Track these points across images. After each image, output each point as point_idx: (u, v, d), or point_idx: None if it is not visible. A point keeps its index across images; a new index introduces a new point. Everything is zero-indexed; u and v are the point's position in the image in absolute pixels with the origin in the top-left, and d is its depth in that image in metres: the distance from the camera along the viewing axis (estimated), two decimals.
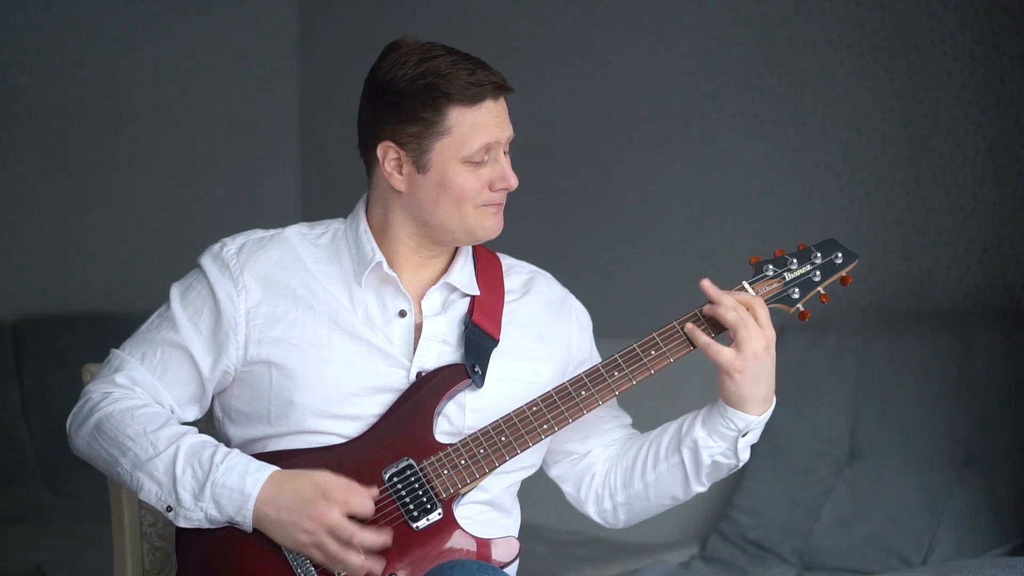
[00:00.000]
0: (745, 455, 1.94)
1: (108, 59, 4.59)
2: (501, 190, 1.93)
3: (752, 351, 1.85)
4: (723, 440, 1.91)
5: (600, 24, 3.97)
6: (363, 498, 1.81)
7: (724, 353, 1.86)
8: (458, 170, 1.89)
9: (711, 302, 1.89)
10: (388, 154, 1.92)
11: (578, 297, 2.14)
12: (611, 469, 2.03)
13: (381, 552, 1.82)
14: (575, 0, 4.05)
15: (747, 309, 1.86)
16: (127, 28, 4.63)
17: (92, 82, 4.56)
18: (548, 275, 2.12)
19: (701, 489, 1.98)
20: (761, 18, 3.58)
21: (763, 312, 1.87)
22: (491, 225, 1.94)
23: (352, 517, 1.81)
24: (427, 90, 1.87)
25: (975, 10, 3.17)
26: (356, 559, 1.80)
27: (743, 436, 1.90)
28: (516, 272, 2.09)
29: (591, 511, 2.06)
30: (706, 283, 1.89)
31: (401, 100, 1.89)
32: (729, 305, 1.86)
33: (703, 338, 1.88)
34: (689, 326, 1.90)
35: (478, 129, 1.89)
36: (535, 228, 4.06)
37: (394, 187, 1.93)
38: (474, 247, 2.05)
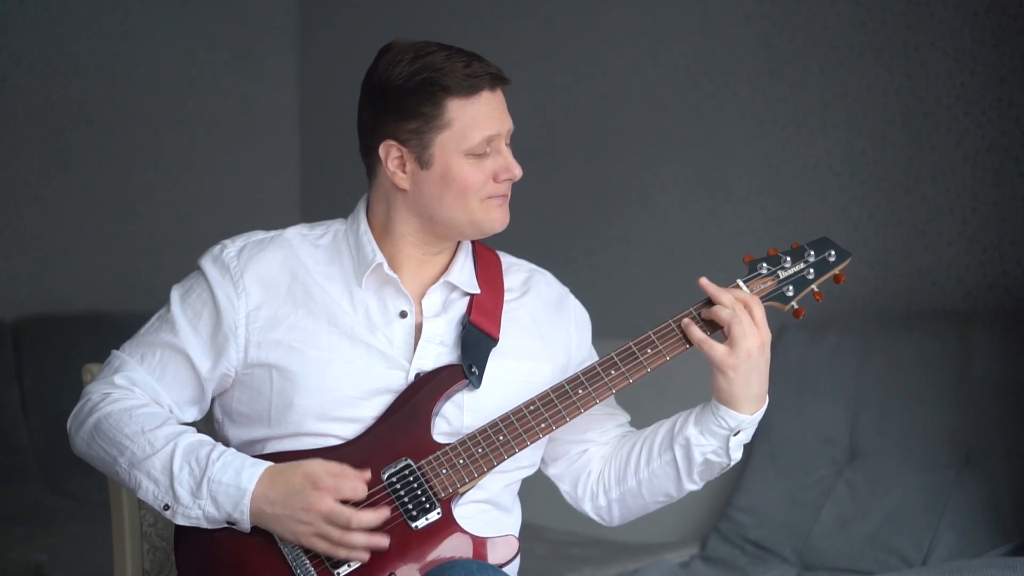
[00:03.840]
0: (737, 454, 1.94)
1: (108, 59, 4.59)
2: (506, 181, 1.93)
3: (746, 349, 1.85)
4: (715, 438, 1.92)
5: (600, 24, 3.97)
6: (353, 482, 1.81)
7: (717, 349, 1.86)
8: (461, 163, 1.90)
9: (709, 299, 1.89)
10: (391, 153, 1.92)
11: (578, 297, 2.14)
12: (606, 466, 2.03)
13: (382, 529, 1.82)
14: (575, 0, 4.05)
15: (744, 307, 1.87)
16: (127, 28, 4.63)
17: (92, 82, 4.56)
18: (547, 273, 2.12)
19: (694, 487, 1.98)
20: (761, 18, 3.58)
21: (759, 311, 1.87)
22: (497, 217, 1.94)
23: (345, 501, 1.81)
24: (425, 85, 1.88)
25: (975, 10, 3.17)
26: (360, 538, 1.80)
27: (735, 435, 1.91)
28: (515, 270, 2.08)
29: (587, 508, 2.06)
30: (704, 281, 1.90)
31: (400, 97, 1.89)
32: (726, 303, 1.87)
33: (698, 334, 1.88)
34: (685, 322, 1.90)
35: (479, 121, 1.89)
36: (535, 228, 4.05)
37: (398, 186, 1.93)
38: (474, 245, 2.05)
